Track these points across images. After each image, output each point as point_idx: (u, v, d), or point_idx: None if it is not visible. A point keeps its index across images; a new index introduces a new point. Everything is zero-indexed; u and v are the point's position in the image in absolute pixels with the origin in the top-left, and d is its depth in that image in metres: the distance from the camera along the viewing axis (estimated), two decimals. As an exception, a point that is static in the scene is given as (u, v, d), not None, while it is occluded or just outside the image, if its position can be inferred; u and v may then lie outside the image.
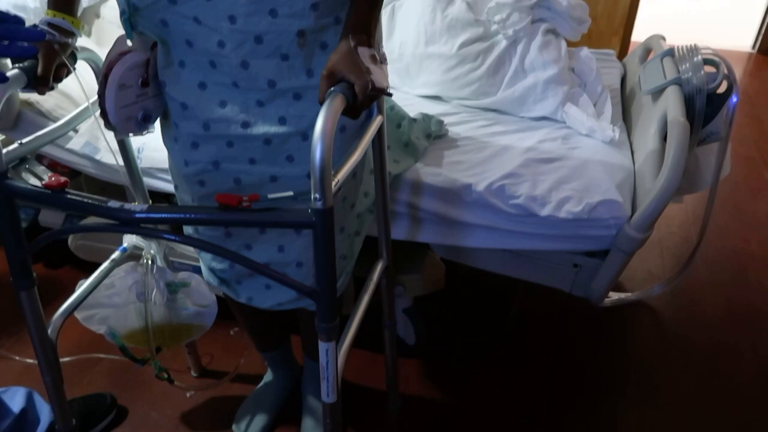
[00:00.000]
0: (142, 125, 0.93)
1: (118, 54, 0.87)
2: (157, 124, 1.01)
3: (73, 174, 1.68)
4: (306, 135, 0.92)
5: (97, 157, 1.44)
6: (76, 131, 1.51)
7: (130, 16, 0.85)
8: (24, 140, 0.93)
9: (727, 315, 1.75)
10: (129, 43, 0.89)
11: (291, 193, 0.86)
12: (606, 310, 1.76)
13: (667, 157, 1.13)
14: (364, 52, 0.82)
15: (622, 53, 3.21)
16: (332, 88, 0.79)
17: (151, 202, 1.30)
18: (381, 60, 0.87)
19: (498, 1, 1.58)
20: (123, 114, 0.89)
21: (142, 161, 1.39)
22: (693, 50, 1.42)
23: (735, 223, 2.18)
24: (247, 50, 0.84)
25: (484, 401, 1.46)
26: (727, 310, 1.77)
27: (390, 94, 0.89)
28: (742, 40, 3.94)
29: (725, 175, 1.53)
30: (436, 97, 1.64)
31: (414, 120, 1.36)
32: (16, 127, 1.47)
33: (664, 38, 1.71)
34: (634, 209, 1.20)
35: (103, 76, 0.86)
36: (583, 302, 1.34)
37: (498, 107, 1.56)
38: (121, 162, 1.21)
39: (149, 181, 1.40)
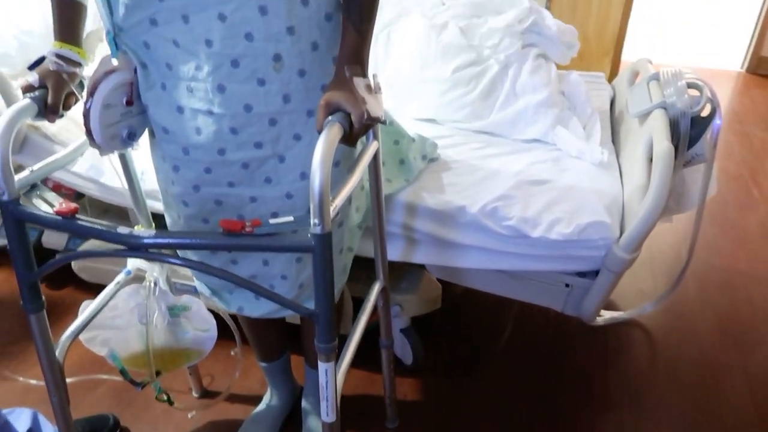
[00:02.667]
0: (126, 142, 0.95)
1: (103, 73, 0.89)
2: (146, 141, 1.03)
3: (78, 195, 1.72)
4: (282, 157, 0.95)
5: (102, 180, 1.48)
6: (81, 155, 1.55)
7: (114, 36, 0.88)
8: (35, 167, 0.97)
9: (717, 332, 1.79)
10: (114, 62, 0.91)
11: (292, 218, 0.90)
12: (599, 327, 1.79)
13: (652, 181, 1.17)
14: (359, 83, 0.87)
15: (613, 72, 3.28)
16: (329, 118, 0.83)
17: (153, 223, 1.34)
18: (375, 89, 0.91)
19: (490, 26, 1.63)
20: (108, 133, 0.91)
21: (145, 183, 1.43)
22: (677, 75, 1.48)
23: (724, 240, 2.23)
24: (223, 74, 0.86)
25: (480, 416, 1.48)
26: (718, 327, 1.80)
27: (384, 122, 0.93)
28: (731, 59, 4.02)
29: (712, 194, 1.57)
30: (431, 120, 1.69)
31: (413, 140, 1.40)
32: (23, 151, 1.51)
33: (650, 62, 1.76)
34: (623, 230, 1.24)
35: (89, 95, 0.89)
36: (577, 319, 1.38)
37: (491, 130, 1.61)
38: (125, 184, 1.25)
39: (152, 203, 1.43)
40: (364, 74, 0.89)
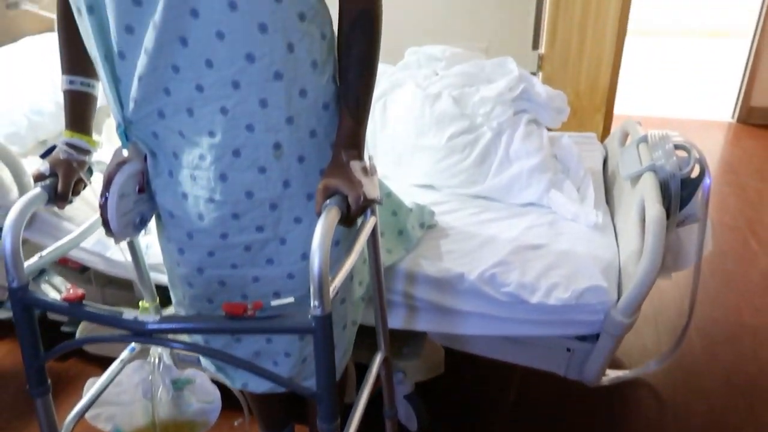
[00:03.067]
0: (138, 228, 1.00)
1: (116, 165, 0.93)
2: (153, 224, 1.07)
3: (83, 269, 1.75)
4: (284, 239, 0.98)
5: (107, 255, 1.51)
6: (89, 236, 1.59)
7: (125, 129, 0.93)
8: (44, 252, 1.00)
9: (724, 386, 1.77)
10: (125, 153, 0.95)
11: (292, 300, 0.92)
12: (604, 387, 1.78)
13: (646, 246, 1.20)
14: (355, 166, 0.91)
15: (605, 127, 3.35)
16: (327, 201, 0.87)
17: (157, 296, 1.36)
18: (371, 171, 0.95)
19: (482, 95, 1.70)
20: (123, 221, 0.95)
21: (150, 257, 1.46)
22: (664, 138, 1.52)
23: (726, 293, 2.23)
24: (225, 163, 0.90)
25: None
26: (724, 382, 1.79)
27: (380, 203, 0.97)
28: (721, 110, 4.11)
29: (707, 251, 1.59)
30: (428, 186, 1.73)
31: (410, 209, 1.44)
32: (31, 227, 1.55)
33: (639, 123, 1.82)
34: (620, 293, 1.26)
35: (104, 187, 0.92)
36: (580, 382, 1.37)
37: (487, 194, 1.65)
38: (129, 259, 1.28)
39: (156, 276, 1.46)
40: (360, 157, 0.93)
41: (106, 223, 0.93)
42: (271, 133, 0.89)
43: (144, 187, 0.97)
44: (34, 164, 1.70)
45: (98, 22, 0.86)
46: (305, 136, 0.92)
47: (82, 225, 1.12)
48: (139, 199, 0.98)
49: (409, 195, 1.64)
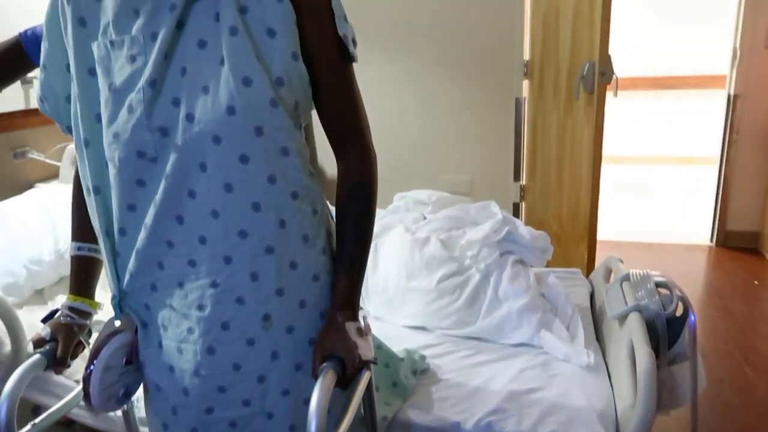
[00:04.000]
0: (121, 402, 0.97)
1: (106, 336, 0.94)
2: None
3: (69, 422, 1.70)
4: (271, 414, 0.95)
5: (96, 409, 1.48)
6: (77, 382, 1.57)
7: (120, 300, 0.94)
8: (36, 421, 0.99)
9: None
10: (117, 323, 0.96)
11: None
12: None
13: (639, 392, 1.21)
14: (350, 327, 0.94)
15: (590, 256, 3.43)
16: (324, 365, 0.89)
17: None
18: (366, 331, 0.97)
19: (468, 238, 1.78)
20: (105, 395, 0.93)
21: (140, 411, 1.43)
22: (645, 277, 1.58)
23: (728, 425, 2.18)
24: (213, 336, 0.90)
25: None
26: None
27: (376, 362, 0.99)
28: (699, 234, 4.26)
29: (702, 388, 1.59)
30: (420, 328, 1.75)
31: (401, 359, 1.45)
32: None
33: (621, 260, 1.89)
34: (618, 438, 1.25)
35: (90, 359, 0.92)
36: None
37: (478, 335, 1.67)
38: (119, 413, 1.26)
39: (145, 430, 1.42)
40: (355, 318, 0.96)
41: (87, 397, 0.92)
42: (260, 305, 0.90)
43: (132, 358, 0.96)
44: (29, 314, 1.71)
45: (102, 201, 0.92)
46: (295, 307, 0.93)
47: (73, 390, 1.10)
48: (126, 371, 0.96)
49: (401, 337, 1.66)
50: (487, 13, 3.60)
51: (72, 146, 2.43)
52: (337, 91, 0.93)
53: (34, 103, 2.38)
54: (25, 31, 1.11)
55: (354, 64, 0.95)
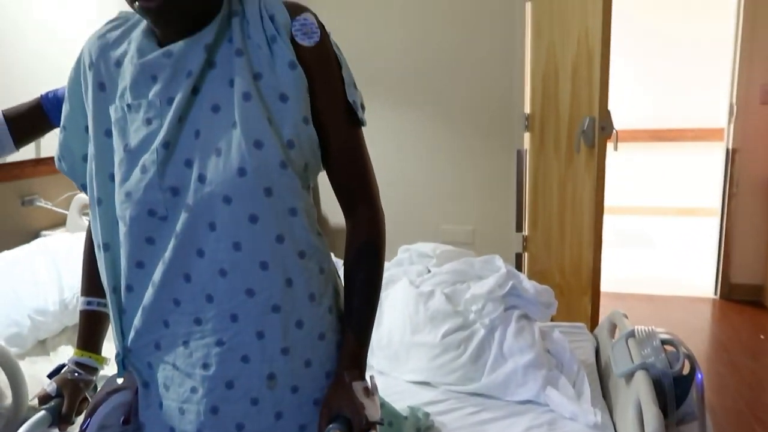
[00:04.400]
0: None
1: (105, 393, 0.93)
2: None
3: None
4: None
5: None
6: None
7: (123, 357, 0.94)
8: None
9: None
10: (120, 380, 0.95)
11: None
12: None
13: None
14: (357, 387, 0.93)
15: (594, 309, 3.41)
16: (331, 426, 0.88)
17: None
18: (372, 390, 0.97)
19: (473, 293, 1.78)
20: None
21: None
22: (651, 334, 1.58)
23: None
24: (217, 396, 0.89)
25: None
26: None
27: (382, 423, 0.98)
28: (702, 286, 4.24)
29: (712, 449, 1.56)
30: (425, 383, 1.74)
31: (405, 417, 1.43)
32: None
33: (626, 315, 1.88)
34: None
35: (87, 416, 0.91)
36: None
37: (483, 392, 1.65)
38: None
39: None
40: (362, 377, 0.95)
41: None
42: (266, 364, 0.90)
43: (130, 418, 0.95)
44: (32, 366, 1.70)
45: (111, 258, 0.93)
46: (300, 366, 0.93)
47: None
48: (123, 430, 0.94)
49: (405, 393, 1.64)
50: (489, 68, 3.70)
51: (79, 195, 2.47)
52: (346, 154, 0.96)
53: (45, 153, 2.43)
54: (47, 94, 1.15)
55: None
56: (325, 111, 0.92)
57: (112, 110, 0.91)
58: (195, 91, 0.88)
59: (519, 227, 3.87)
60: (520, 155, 3.73)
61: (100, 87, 0.93)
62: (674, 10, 5.79)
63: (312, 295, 0.93)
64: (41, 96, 1.15)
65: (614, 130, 2.80)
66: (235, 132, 0.86)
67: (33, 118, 1.15)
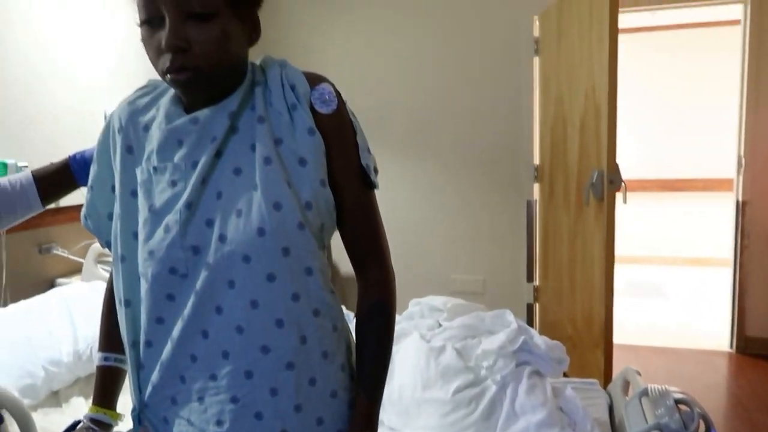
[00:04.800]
0: None
1: None
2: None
3: None
4: None
5: None
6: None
7: (140, 412, 0.96)
8: None
9: None
10: None
11: None
12: None
13: None
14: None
15: (607, 362, 3.35)
16: None
17: None
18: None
19: (484, 348, 1.78)
20: None
21: None
22: (664, 394, 1.56)
23: None
24: None
25: None
26: None
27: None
28: (716, 339, 4.17)
29: None
30: (435, 440, 1.72)
31: (416, 477, 1.41)
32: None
33: (638, 372, 1.86)
34: None
35: None
36: None
37: (496, 451, 1.63)
38: None
39: None
40: (374, 437, 0.97)
41: None
42: (278, 420, 0.91)
43: None
44: (44, 417, 1.70)
45: (132, 314, 0.96)
46: (312, 424, 0.94)
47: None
48: None
49: (417, 451, 1.62)
50: (498, 120, 3.79)
51: (95, 244, 2.52)
52: (358, 215, 0.99)
53: (64, 202, 2.49)
54: (74, 155, 1.20)
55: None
56: (340, 174, 0.96)
57: (138, 172, 0.96)
58: (218, 154, 0.92)
59: (530, 277, 3.86)
60: (530, 206, 3.76)
61: (128, 150, 0.97)
62: (682, 61, 5.92)
63: (325, 353, 0.95)
64: (69, 157, 1.20)
65: (623, 184, 2.82)
66: (255, 194, 0.90)
67: (60, 178, 1.20)
